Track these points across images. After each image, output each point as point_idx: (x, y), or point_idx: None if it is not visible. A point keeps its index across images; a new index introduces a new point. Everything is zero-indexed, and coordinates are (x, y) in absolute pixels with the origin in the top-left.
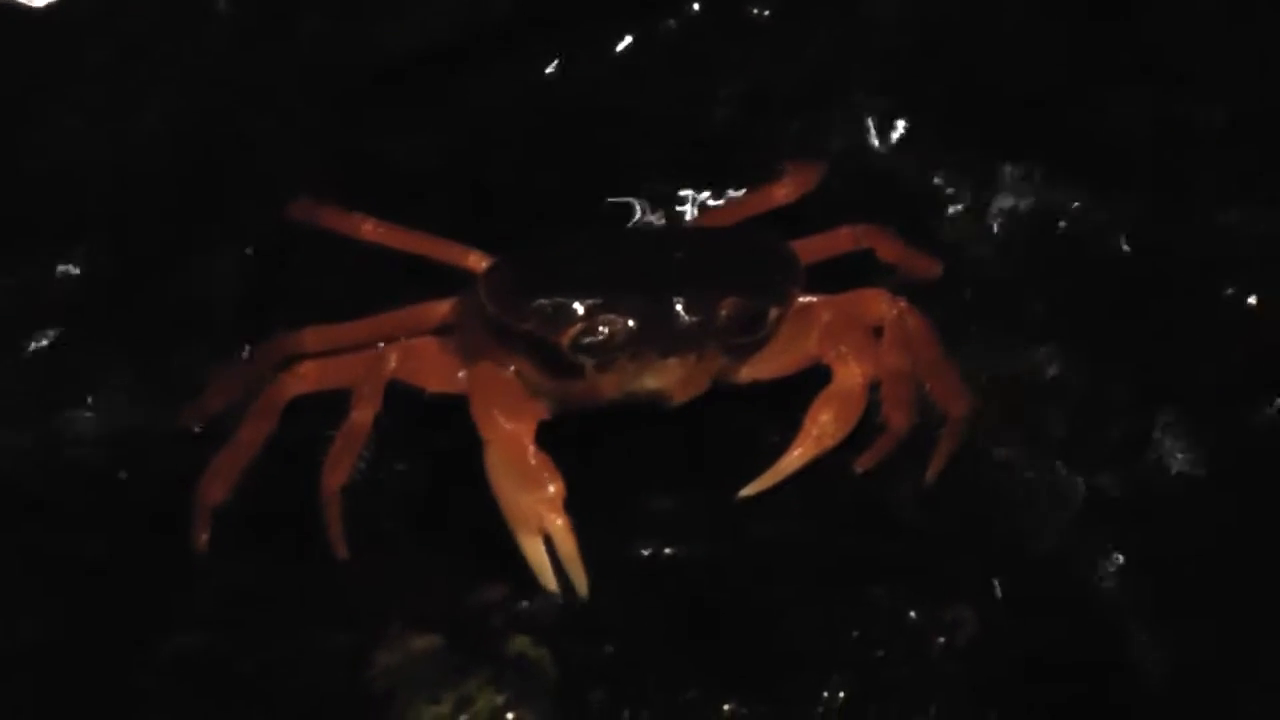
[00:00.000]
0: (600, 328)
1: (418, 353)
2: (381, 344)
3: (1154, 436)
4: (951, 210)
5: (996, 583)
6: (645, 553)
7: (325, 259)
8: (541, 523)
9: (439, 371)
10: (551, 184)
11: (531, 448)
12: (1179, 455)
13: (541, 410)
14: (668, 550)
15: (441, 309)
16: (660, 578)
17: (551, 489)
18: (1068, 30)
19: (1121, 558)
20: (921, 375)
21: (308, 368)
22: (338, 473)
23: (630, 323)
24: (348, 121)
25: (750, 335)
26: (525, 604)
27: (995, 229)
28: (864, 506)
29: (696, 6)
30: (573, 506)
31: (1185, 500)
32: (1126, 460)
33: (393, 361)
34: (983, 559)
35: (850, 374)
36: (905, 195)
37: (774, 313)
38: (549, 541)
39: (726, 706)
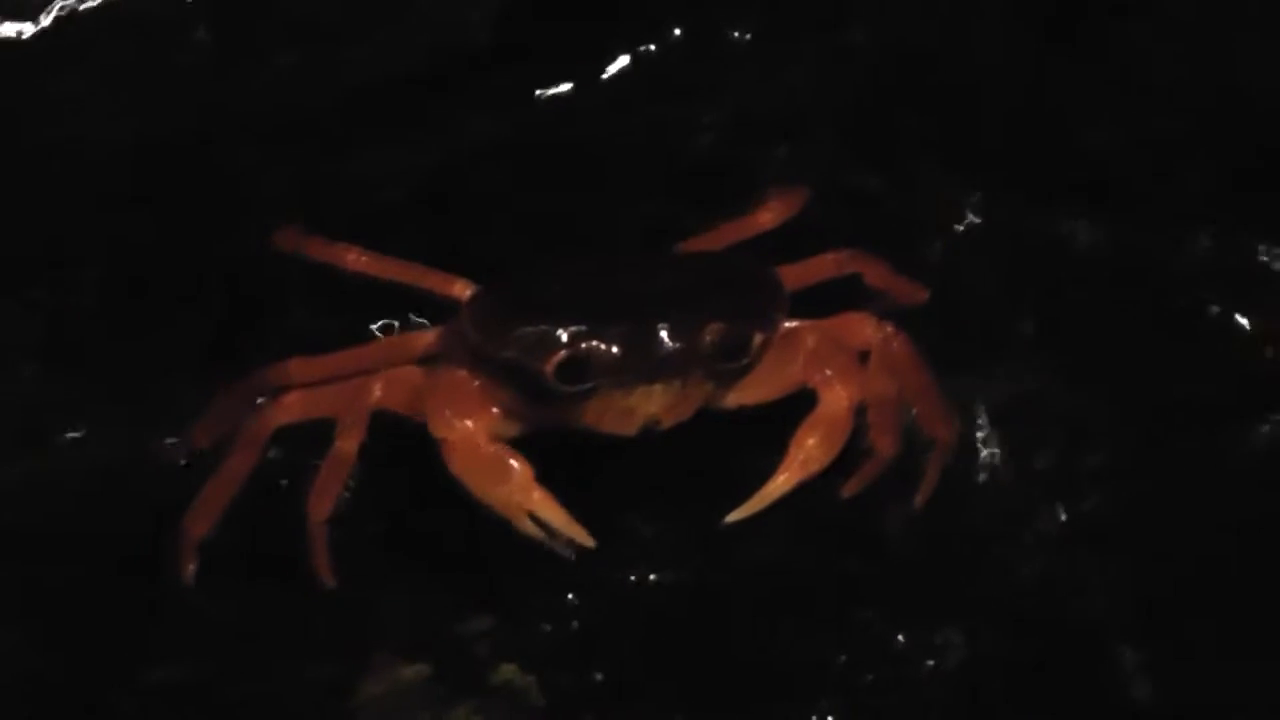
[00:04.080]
0: (584, 356)
1: (402, 382)
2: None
3: (1139, 459)
4: (935, 234)
5: (984, 607)
6: (632, 578)
7: (312, 288)
8: (524, 505)
9: (423, 400)
10: (534, 212)
11: (485, 439)
12: (1164, 478)
13: (493, 413)
14: (653, 576)
15: (426, 338)
16: (647, 604)
17: (519, 471)
18: (1044, 51)
19: (1108, 581)
20: (908, 399)
21: (292, 398)
22: (323, 503)
23: (614, 350)
24: (327, 149)
25: (735, 361)
26: (512, 632)
27: (979, 252)
28: (850, 531)
29: (678, 31)
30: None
31: (1171, 523)
32: (1112, 483)
33: (377, 391)
34: (970, 583)
35: (836, 398)
36: (889, 219)
37: (759, 339)
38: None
39: None
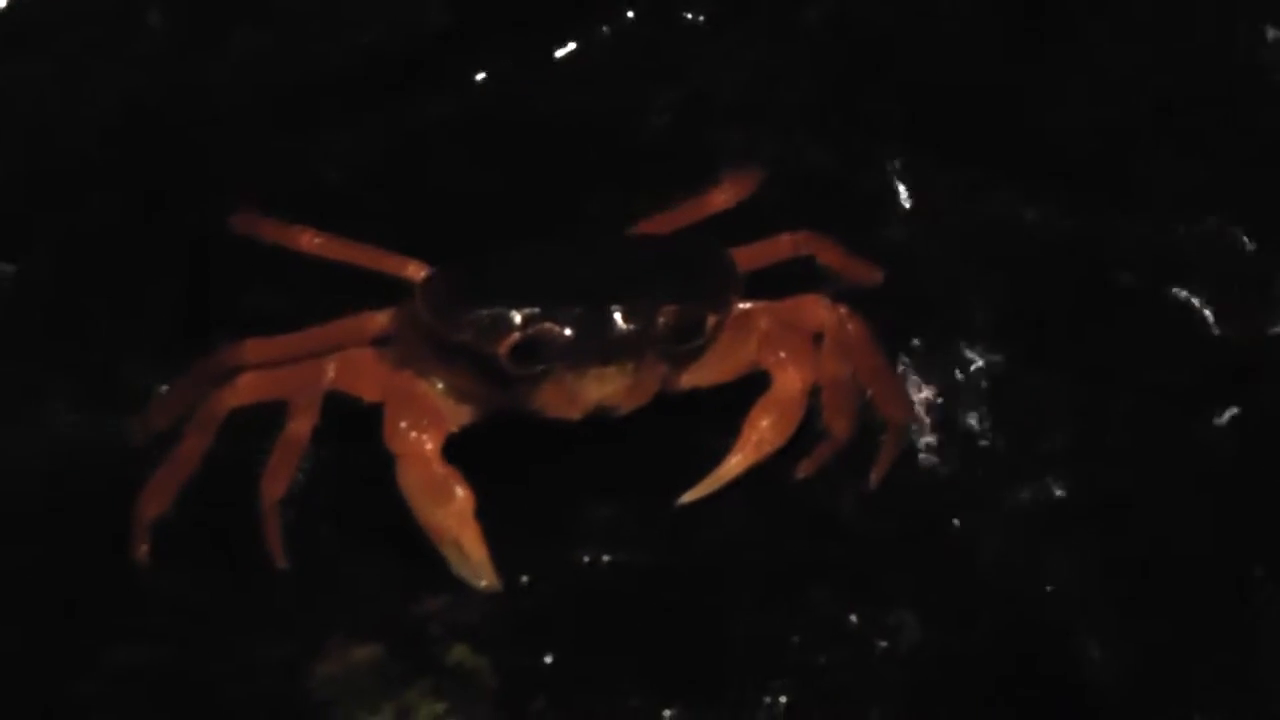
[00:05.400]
0: (537, 338)
1: (356, 363)
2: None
3: (1100, 442)
4: (893, 216)
5: (939, 588)
6: (585, 559)
7: (271, 269)
8: (453, 534)
9: (377, 382)
10: (489, 193)
11: (436, 461)
12: (1126, 461)
13: (451, 423)
14: (607, 557)
15: (380, 320)
16: (600, 585)
17: (460, 499)
18: (1005, 32)
19: (1066, 563)
20: (863, 381)
21: (245, 380)
22: (276, 484)
23: (567, 332)
24: (286, 131)
25: (689, 343)
26: (464, 613)
27: (937, 234)
28: (805, 512)
29: (631, 14)
30: (510, 515)
31: (1133, 507)
32: (1072, 466)
33: (330, 372)
34: (925, 565)
35: (789, 380)
36: (846, 201)
37: (712, 320)
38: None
39: (667, 712)
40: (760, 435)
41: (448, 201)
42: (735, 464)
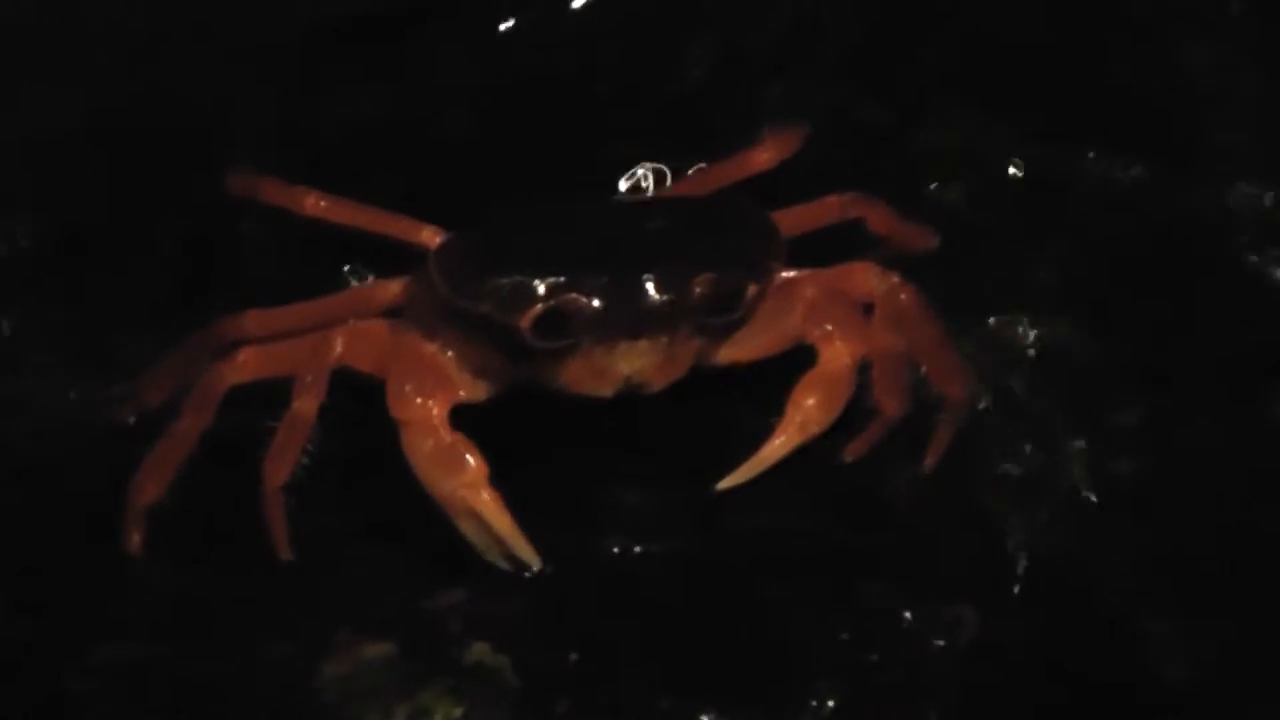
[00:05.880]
0: (563, 310)
1: (365, 337)
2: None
3: (1167, 419)
4: (947, 177)
5: (999, 580)
6: (615, 550)
7: (273, 234)
8: (470, 505)
9: (388, 356)
10: (511, 152)
11: (444, 428)
12: (1191, 442)
13: (463, 394)
14: (638, 548)
15: (392, 289)
16: (629, 577)
17: (473, 468)
18: None
19: (1133, 552)
20: (917, 356)
21: (247, 355)
22: (280, 468)
23: (595, 303)
24: (294, 86)
25: (727, 315)
26: (484, 606)
27: (994, 195)
28: (854, 497)
29: None
30: (530, 499)
31: (1198, 490)
32: (1136, 448)
33: (338, 346)
34: (985, 554)
35: (837, 354)
36: (898, 160)
37: (752, 290)
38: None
39: (704, 718)
40: (805, 415)
41: (463, 162)
42: (778, 446)
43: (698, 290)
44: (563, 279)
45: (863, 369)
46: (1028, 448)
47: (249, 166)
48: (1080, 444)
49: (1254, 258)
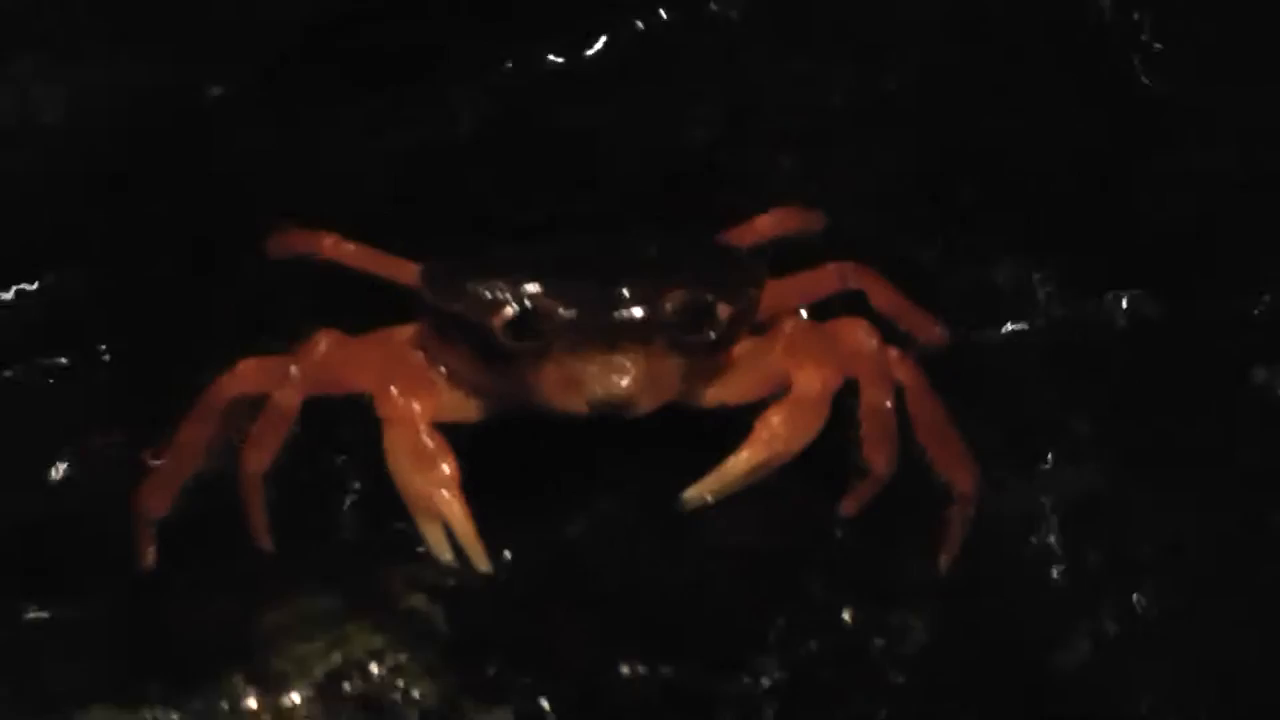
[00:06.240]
0: (535, 310)
1: (352, 343)
2: None
3: (1195, 553)
4: (964, 290)
5: (960, 598)
6: (572, 540)
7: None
8: (435, 503)
9: (376, 365)
10: (504, 213)
11: (424, 427)
12: (1222, 570)
13: (449, 409)
14: (598, 543)
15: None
16: (584, 564)
17: (445, 469)
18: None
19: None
20: (921, 441)
21: (245, 366)
22: (259, 456)
23: (568, 308)
24: (288, 119)
25: (700, 333)
26: (434, 574)
27: (1016, 317)
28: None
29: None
30: (504, 502)
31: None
32: (1166, 578)
33: (323, 346)
34: (1008, 683)
35: (807, 379)
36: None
37: (724, 309)
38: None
39: (624, 669)
40: (771, 432)
41: (460, 215)
42: (743, 460)
43: (669, 305)
44: (538, 286)
45: (852, 421)
46: (1059, 580)
47: (286, 227)
48: (1108, 576)
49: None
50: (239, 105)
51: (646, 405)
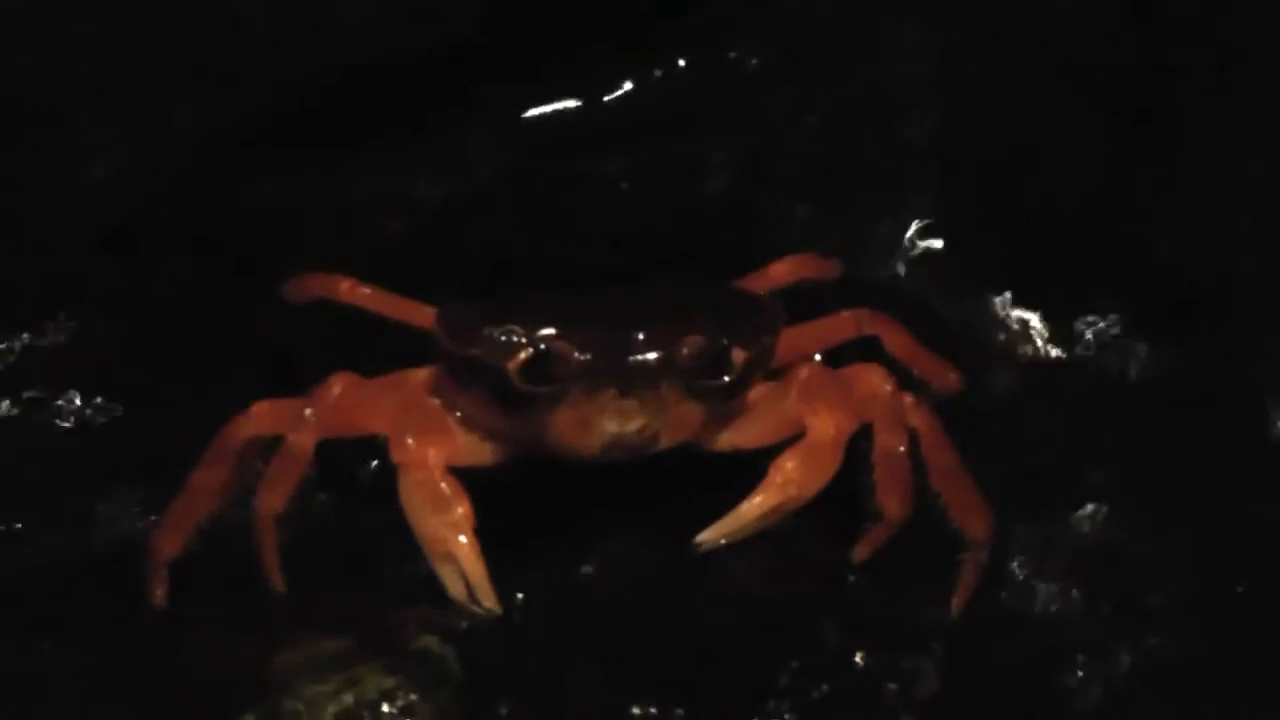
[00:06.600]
0: (549, 354)
1: (367, 386)
2: None
3: (1206, 599)
4: (979, 337)
5: (973, 645)
6: (585, 582)
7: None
8: (448, 546)
9: (391, 411)
10: (521, 260)
11: (439, 472)
12: (1233, 615)
13: (465, 453)
14: (610, 584)
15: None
16: (596, 606)
17: (458, 511)
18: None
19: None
20: (935, 487)
21: (260, 409)
22: (272, 497)
23: (583, 351)
24: (329, 184)
25: (714, 378)
26: (448, 617)
27: (1031, 364)
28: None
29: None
30: (517, 541)
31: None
32: (1179, 624)
33: (337, 388)
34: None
35: (821, 424)
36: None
37: (739, 355)
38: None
39: (636, 710)
40: (785, 476)
41: (478, 262)
42: (756, 504)
43: (684, 350)
44: (554, 330)
45: (867, 469)
46: (1070, 624)
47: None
48: (1120, 622)
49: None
50: (259, 151)
51: (665, 443)
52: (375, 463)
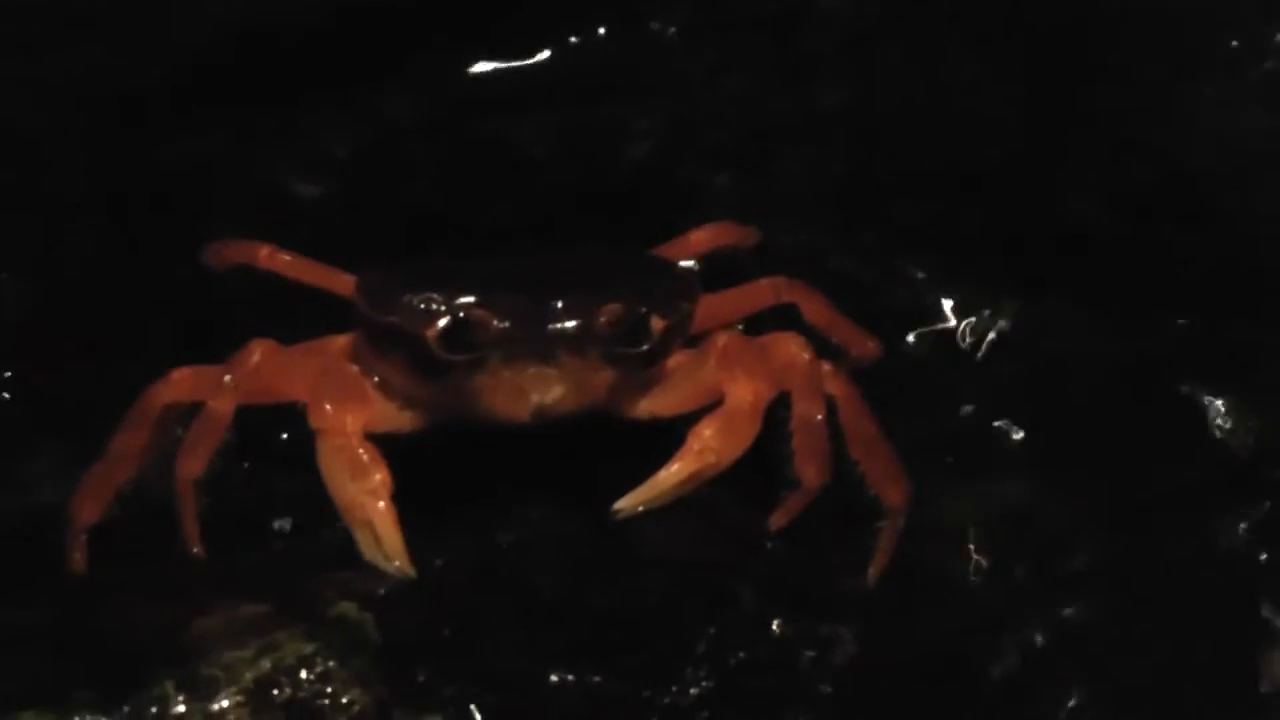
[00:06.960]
0: (468, 322)
1: (287, 354)
2: None
3: (1119, 563)
4: (897, 304)
5: (892, 611)
6: (503, 547)
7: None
8: (366, 512)
9: (311, 377)
10: (440, 225)
11: (357, 438)
12: (1145, 581)
13: (383, 419)
14: (527, 550)
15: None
16: (514, 571)
17: (376, 478)
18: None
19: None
20: (854, 455)
21: (179, 374)
22: (192, 463)
23: (502, 319)
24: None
25: (633, 346)
26: (366, 583)
27: (949, 330)
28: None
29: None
30: (435, 508)
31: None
32: (1091, 589)
33: (256, 355)
34: (940, 688)
35: (740, 392)
36: (861, 303)
37: (657, 323)
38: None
39: (554, 677)
40: (702, 444)
41: (396, 225)
42: (674, 472)
43: (603, 319)
44: (473, 298)
45: (785, 437)
46: (986, 592)
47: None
48: (1036, 590)
49: (1212, 400)
50: (178, 111)
51: (579, 413)
52: (294, 429)
